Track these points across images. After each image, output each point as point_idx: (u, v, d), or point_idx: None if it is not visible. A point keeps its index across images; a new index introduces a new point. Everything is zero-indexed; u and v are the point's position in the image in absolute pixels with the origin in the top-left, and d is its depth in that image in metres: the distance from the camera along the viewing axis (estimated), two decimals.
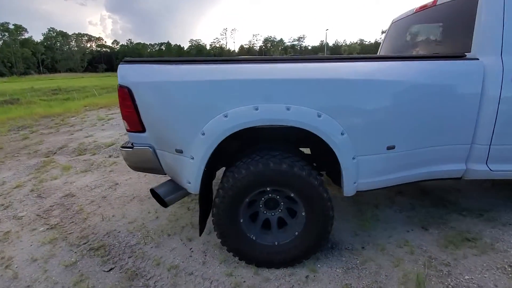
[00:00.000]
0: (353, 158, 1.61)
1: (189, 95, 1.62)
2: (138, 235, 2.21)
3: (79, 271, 1.84)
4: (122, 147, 1.97)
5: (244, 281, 1.70)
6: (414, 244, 1.98)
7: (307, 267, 1.78)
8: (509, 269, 1.72)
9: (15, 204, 2.84)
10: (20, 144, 5.18)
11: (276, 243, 1.77)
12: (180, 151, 1.70)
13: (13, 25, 69.92)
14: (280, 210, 1.84)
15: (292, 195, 1.67)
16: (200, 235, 1.84)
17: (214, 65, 1.65)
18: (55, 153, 4.61)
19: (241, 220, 1.74)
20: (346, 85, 1.57)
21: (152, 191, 1.94)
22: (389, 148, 1.67)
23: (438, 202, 2.55)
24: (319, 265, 1.80)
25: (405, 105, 1.63)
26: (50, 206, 2.78)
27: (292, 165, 1.60)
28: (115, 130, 6.14)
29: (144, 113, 1.73)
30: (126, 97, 1.71)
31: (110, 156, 4.28)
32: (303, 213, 1.70)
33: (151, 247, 2.05)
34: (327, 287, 1.64)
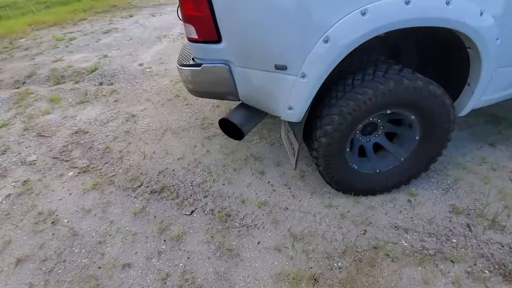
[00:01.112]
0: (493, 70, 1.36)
1: None
2: (199, 172, 1.92)
3: (156, 217, 1.58)
4: (182, 65, 1.48)
5: (348, 211, 1.59)
6: (491, 160, 1.98)
7: (404, 191, 1.70)
8: None
9: (14, 147, 2.29)
10: None
11: (378, 171, 1.62)
12: (282, 67, 1.28)
13: None
14: (377, 136, 1.63)
15: (412, 117, 1.43)
16: (296, 168, 1.60)
17: None
18: (24, 82, 3.71)
19: (348, 149, 1.51)
20: None
21: (224, 121, 1.57)
22: None
23: (489, 119, 2.54)
24: (413, 189, 1.73)
25: None
26: (63, 146, 2.29)
27: (428, 82, 1.30)
28: (87, 52, 5.04)
29: (224, 11, 1.22)
30: None
31: (101, 84, 3.55)
32: (417, 137, 1.51)
33: (223, 184, 1.81)
34: (433, 209, 1.60)
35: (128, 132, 2.44)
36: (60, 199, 1.75)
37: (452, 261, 1.31)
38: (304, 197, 1.70)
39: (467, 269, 1.27)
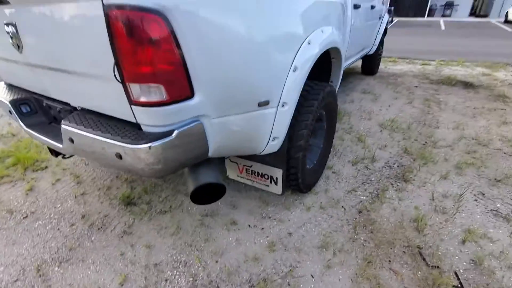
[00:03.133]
0: None
1: (270, 20, 1.19)
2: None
3: None
4: (147, 137, 1.04)
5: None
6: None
7: (327, 170, 2.21)
8: None
9: None
10: None
11: (315, 162, 1.99)
12: (265, 103, 1.28)
13: None
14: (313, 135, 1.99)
15: (323, 112, 1.89)
16: (282, 193, 1.61)
17: None
18: None
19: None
20: None
21: (199, 189, 1.31)
22: None
23: None
24: (330, 164, 2.28)
25: None
26: None
27: (331, 85, 1.80)
28: None
29: (198, 60, 1.03)
30: (164, 34, 0.91)
31: None
32: (325, 126, 2.02)
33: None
34: (348, 183, 2.22)
35: None
36: None
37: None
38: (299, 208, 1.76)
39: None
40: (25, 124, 1.55)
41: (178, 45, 0.93)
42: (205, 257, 1.49)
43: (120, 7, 0.84)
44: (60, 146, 1.34)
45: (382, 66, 5.64)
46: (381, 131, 2.87)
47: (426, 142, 2.63)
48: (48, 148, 1.81)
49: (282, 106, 1.34)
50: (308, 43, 1.38)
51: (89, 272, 1.43)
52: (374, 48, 4.20)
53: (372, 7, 3.37)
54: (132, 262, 1.47)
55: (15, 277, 1.42)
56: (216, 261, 1.46)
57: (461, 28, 13.18)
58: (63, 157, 1.81)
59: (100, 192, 2.05)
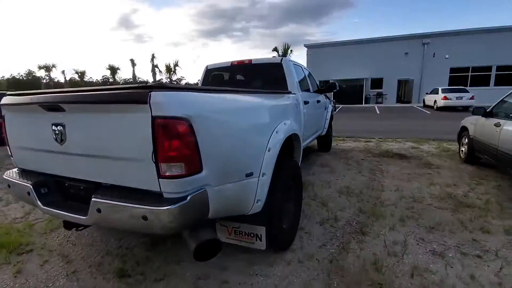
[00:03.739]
0: None
1: (251, 119, 1.78)
2: None
3: None
4: (168, 201, 1.40)
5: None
6: None
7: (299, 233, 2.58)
8: None
9: None
10: None
11: (289, 223, 2.38)
12: (250, 174, 1.76)
13: None
14: None
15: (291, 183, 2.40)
16: (266, 248, 1.92)
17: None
18: None
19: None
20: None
21: (201, 245, 1.62)
22: None
23: None
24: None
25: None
26: None
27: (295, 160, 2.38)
28: None
29: (206, 146, 1.52)
30: (187, 132, 1.42)
31: None
32: (294, 195, 2.50)
33: None
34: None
35: None
36: None
37: None
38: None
39: None
40: (42, 203, 1.80)
41: (195, 138, 1.42)
42: None
43: (162, 117, 1.35)
44: (83, 217, 1.61)
45: (334, 144, 6.69)
46: (339, 196, 3.43)
47: (375, 202, 3.21)
48: (64, 222, 2.00)
49: (262, 176, 1.83)
50: (276, 132, 2.00)
51: None
52: (325, 130, 5.20)
53: (318, 101, 4.42)
54: None
55: None
56: None
57: (392, 112, 16.13)
58: (77, 229, 2.02)
59: (92, 268, 2.14)
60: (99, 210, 1.52)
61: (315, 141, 5.73)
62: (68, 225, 1.98)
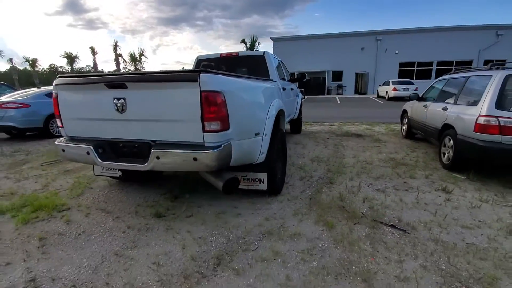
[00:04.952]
0: None
1: (257, 96, 2.54)
2: None
3: None
4: (208, 148, 2.11)
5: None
6: None
7: (285, 186, 3.42)
8: None
9: None
10: None
11: (279, 175, 3.19)
12: (257, 134, 2.53)
13: None
14: None
15: (280, 146, 3.22)
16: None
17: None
18: None
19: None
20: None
21: (228, 182, 2.38)
22: None
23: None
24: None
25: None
26: None
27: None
28: None
29: (231, 111, 2.25)
30: (221, 100, 2.15)
31: None
32: (281, 155, 3.32)
33: None
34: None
35: None
36: None
37: None
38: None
39: None
40: (101, 159, 2.38)
41: (226, 106, 2.14)
42: (230, 229, 2.40)
43: (207, 91, 2.04)
44: (142, 165, 2.24)
45: (303, 127, 7.68)
46: (312, 163, 4.35)
47: (339, 165, 4.18)
48: (111, 176, 2.62)
49: (265, 135, 2.61)
50: (272, 106, 2.79)
51: (156, 248, 2.16)
52: (297, 114, 6.13)
53: (292, 88, 5.29)
54: (183, 238, 2.27)
55: (100, 261, 2.04)
56: (237, 229, 2.39)
57: (351, 102, 17.83)
58: (119, 179, 2.67)
59: (131, 215, 2.75)
60: (158, 157, 2.17)
61: (288, 126, 6.64)
62: (118, 176, 2.60)
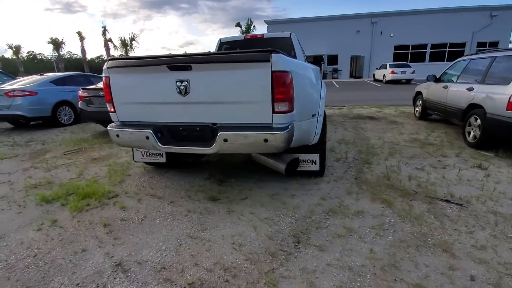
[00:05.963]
0: None
1: (313, 77, 2.53)
2: None
3: None
4: (277, 129, 2.10)
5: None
6: None
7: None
8: None
9: None
10: None
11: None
12: (314, 115, 2.54)
13: None
14: None
15: None
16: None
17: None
18: None
19: None
20: None
21: (290, 164, 2.41)
22: None
23: None
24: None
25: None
26: None
27: None
28: None
29: (296, 93, 2.24)
30: (290, 81, 2.14)
31: None
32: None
33: None
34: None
35: None
36: None
37: None
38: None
39: None
40: (161, 144, 2.34)
41: (292, 86, 2.13)
42: (292, 209, 2.44)
43: (278, 71, 2.02)
44: (208, 148, 2.23)
45: None
46: (340, 145, 4.41)
47: (367, 146, 4.26)
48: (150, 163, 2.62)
49: (320, 116, 2.63)
50: (323, 88, 2.78)
51: (227, 229, 2.19)
52: None
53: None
54: (250, 220, 2.31)
55: (178, 243, 2.05)
56: (299, 209, 2.44)
57: (348, 86, 17.91)
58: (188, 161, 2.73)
59: (184, 199, 2.75)
60: (225, 140, 2.16)
61: None
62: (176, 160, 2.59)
